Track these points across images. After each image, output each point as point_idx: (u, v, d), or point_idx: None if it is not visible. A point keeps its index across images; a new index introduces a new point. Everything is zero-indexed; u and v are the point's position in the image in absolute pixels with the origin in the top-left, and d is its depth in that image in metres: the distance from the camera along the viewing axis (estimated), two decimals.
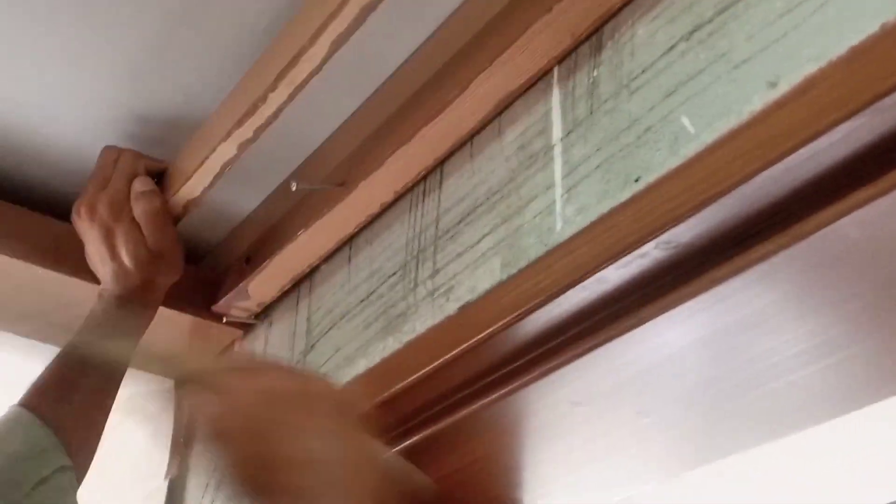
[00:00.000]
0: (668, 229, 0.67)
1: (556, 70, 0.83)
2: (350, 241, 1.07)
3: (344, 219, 1.03)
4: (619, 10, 0.78)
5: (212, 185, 0.99)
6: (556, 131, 0.81)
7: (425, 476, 0.77)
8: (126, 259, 1.02)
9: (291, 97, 0.87)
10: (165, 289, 1.09)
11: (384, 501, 0.62)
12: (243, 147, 0.93)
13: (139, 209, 1.01)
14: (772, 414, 0.85)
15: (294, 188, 0.95)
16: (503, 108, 0.88)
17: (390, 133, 0.94)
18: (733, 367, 0.79)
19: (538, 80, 0.85)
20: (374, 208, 1.02)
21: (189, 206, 1.03)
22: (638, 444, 0.88)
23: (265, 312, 1.20)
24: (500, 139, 0.88)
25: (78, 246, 1.07)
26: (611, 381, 0.82)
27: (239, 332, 1.24)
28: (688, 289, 0.69)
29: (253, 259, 1.14)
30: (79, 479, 1.00)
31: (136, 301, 1.05)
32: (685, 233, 0.67)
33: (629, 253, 0.69)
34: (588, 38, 0.80)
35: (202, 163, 0.96)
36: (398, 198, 1.00)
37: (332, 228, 1.05)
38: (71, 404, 0.99)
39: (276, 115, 0.89)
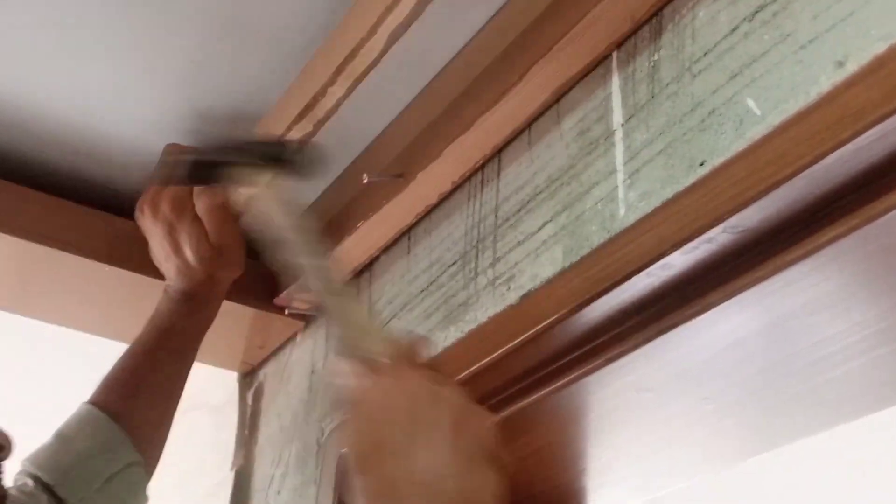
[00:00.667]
0: (735, 213, 0.66)
1: (614, 55, 0.83)
2: (409, 231, 1.07)
3: (403, 210, 1.04)
4: None
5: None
6: (617, 116, 0.81)
7: None
8: (189, 255, 1.03)
9: (350, 90, 0.87)
10: (229, 283, 1.10)
11: None
12: (303, 141, 0.94)
13: (202, 205, 1.02)
14: (835, 400, 0.83)
15: (365, 180, 0.96)
16: (561, 95, 0.88)
17: (448, 123, 0.94)
18: (797, 351, 0.78)
19: (597, 66, 0.84)
20: (433, 199, 1.02)
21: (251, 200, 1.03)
22: (702, 431, 0.87)
23: None
24: (558, 126, 0.88)
25: (142, 243, 1.09)
26: (676, 368, 0.81)
27: (301, 324, 1.25)
28: (755, 273, 0.68)
29: None
30: (149, 472, 1.02)
31: (200, 296, 1.07)
32: (752, 216, 0.66)
33: (696, 238, 0.69)
34: (647, 21, 0.80)
35: None
36: (456, 188, 1.00)
37: (392, 220, 1.05)
38: (139, 400, 1.02)
39: (335, 108, 0.90)
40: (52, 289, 1.16)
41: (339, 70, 0.85)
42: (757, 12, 0.69)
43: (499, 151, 0.95)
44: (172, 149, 1.04)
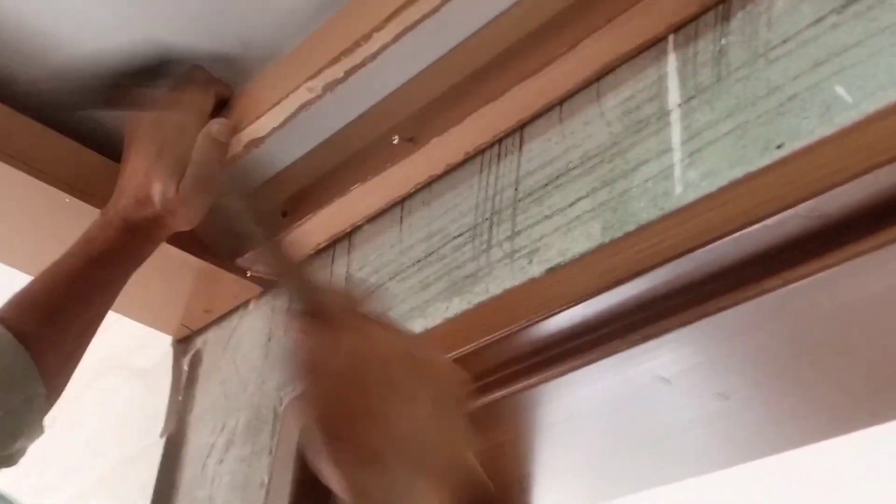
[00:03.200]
0: (815, 197, 0.66)
1: (671, 38, 0.82)
2: (403, 201, 1.04)
3: (403, 177, 1.00)
4: None
5: (281, 126, 0.94)
6: (673, 97, 0.80)
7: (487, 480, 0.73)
8: (155, 187, 0.94)
9: (398, 38, 0.83)
10: (171, 232, 1.01)
11: (450, 493, 0.58)
12: (329, 88, 0.89)
13: (201, 151, 0.94)
14: (847, 406, 0.84)
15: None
16: (603, 74, 0.87)
17: (476, 88, 0.91)
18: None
19: (650, 47, 0.83)
20: (438, 169, 0.99)
21: (250, 146, 0.97)
22: (715, 425, 0.87)
23: None
24: (598, 104, 0.86)
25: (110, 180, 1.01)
26: (700, 358, 0.81)
27: (257, 290, 1.19)
28: (822, 261, 0.68)
29: (291, 213, 1.09)
30: (49, 405, 0.90)
31: (141, 231, 0.95)
32: (833, 203, 0.66)
33: (766, 220, 0.68)
34: (713, 7, 0.80)
35: (279, 101, 0.91)
36: (468, 159, 0.97)
37: (389, 186, 1.01)
38: (55, 327, 0.91)
39: (374, 56, 0.85)
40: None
41: (394, 15, 0.80)
42: (848, 5, 0.70)
43: (522, 126, 0.93)
44: (199, 73, 0.96)
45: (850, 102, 0.67)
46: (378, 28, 0.83)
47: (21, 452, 0.89)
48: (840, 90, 0.68)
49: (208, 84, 0.96)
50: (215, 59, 0.97)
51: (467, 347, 0.87)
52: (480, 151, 0.96)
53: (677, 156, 0.77)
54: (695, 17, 0.81)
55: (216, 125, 0.92)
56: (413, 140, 0.96)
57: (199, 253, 1.14)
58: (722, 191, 0.72)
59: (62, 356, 0.93)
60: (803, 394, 0.81)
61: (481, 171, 0.96)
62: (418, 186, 1.01)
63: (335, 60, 0.86)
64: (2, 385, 0.85)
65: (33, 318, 0.90)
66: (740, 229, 0.69)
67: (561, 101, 0.90)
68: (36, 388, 0.87)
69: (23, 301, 0.91)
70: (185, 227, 1.00)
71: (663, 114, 0.80)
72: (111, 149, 1.04)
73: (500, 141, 0.95)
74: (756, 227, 0.69)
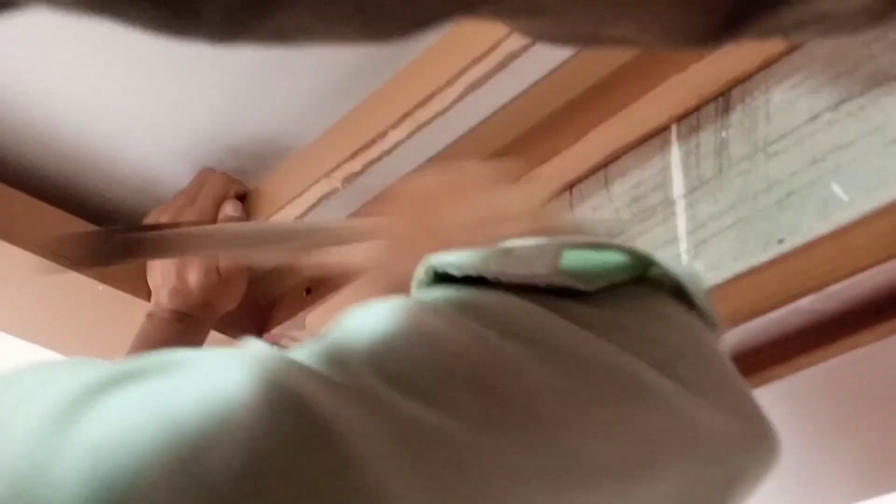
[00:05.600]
0: (815, 292, 0.69)
1: (674, 128, 0.85)
2: None
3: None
4: (751, 76, 0.80)
5: (304, 216, 0.98)
6: (678, 187, 0.83)
7: None
8: (193, 279, 1.00)
9: (411, 135, 0.87)
10: (221, 313, 1.07)
11: None
12: (348, 181, 0.93)
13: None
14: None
15: None
16: (610, 161, 0.90)
17: None
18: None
19: (654, 136, 0.87)
20: None
21: None
22: None
23: None
24: (606, 190, 0.90)
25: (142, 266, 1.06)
26: None
27: None
28: (808, 357, 0.71)
29: (315, 290, 1.13)
30: None
31: (194, 318, 1.02)
32: (830, 299, 0.69)
33: (768, 313, 0.71)
34: (713, 100, 0.83)
35: (301, 193, 0.95)
36: None
37: None
38: None
39: (390, 151, 0.89)
40: (38, 304, 1.11)
41: (407, 115, 0.84)
42: (841, 103, 0.73)
43: None
44: (203, 172, 1.01)
45: (846, 201, 0.70)
46: (394, 126, 0.87)
47: None
48: (836, 188, 0.71)
49: (227, 182, 1.01)
50: (232, 155, 1.02)
51: None
52: None
53: (683, 245, 0.80)
54: (697, 109, 0.84)
55: (230, 205, 0.98)
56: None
57: (228, 331, 1.18)
58: (728, 283, 0.75)
59: None
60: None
61: None
62: None
63: (353, 156, 0.90)
64: None
65: None
66: (742, 322, 0.72)
67: (571, 187, 0.93)
68: None
69: None
70: (231, 306, 1.06)
71: (669, 203, 0.83)
72: None
73: None
74: (758, 321, 0.72)
